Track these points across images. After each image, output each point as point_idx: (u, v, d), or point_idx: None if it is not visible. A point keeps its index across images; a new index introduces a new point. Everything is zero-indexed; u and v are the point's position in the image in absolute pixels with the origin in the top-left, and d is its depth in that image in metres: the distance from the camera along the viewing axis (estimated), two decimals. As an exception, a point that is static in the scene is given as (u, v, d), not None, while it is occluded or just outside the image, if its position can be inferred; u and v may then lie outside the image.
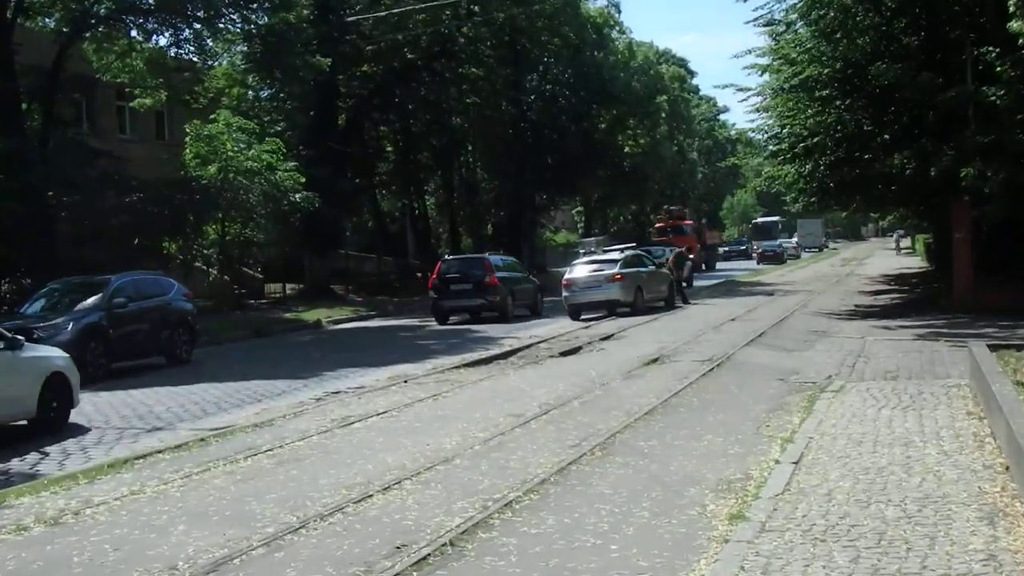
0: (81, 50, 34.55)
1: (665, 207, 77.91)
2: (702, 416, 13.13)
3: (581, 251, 49.57)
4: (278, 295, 43.27)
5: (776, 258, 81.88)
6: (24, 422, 14.32)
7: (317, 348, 26.56)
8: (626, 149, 66.49)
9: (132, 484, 10.58)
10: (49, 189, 30.64)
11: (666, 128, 72.17)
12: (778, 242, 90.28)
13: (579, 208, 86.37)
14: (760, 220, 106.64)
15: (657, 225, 75.85)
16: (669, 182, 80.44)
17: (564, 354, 21.57)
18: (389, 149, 58.21)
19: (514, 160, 55.85)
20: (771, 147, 35.00)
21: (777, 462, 9.98)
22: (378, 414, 14.38)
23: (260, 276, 44.02)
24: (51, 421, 14.49)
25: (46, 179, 29.90)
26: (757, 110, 34.64)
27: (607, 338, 24.27)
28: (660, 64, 73.98)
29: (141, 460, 11.88)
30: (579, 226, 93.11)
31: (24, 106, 32.46)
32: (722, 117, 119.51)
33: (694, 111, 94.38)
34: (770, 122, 34.37)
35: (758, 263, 79.41)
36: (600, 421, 12.97)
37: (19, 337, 14.54)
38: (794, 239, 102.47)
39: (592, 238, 65.54)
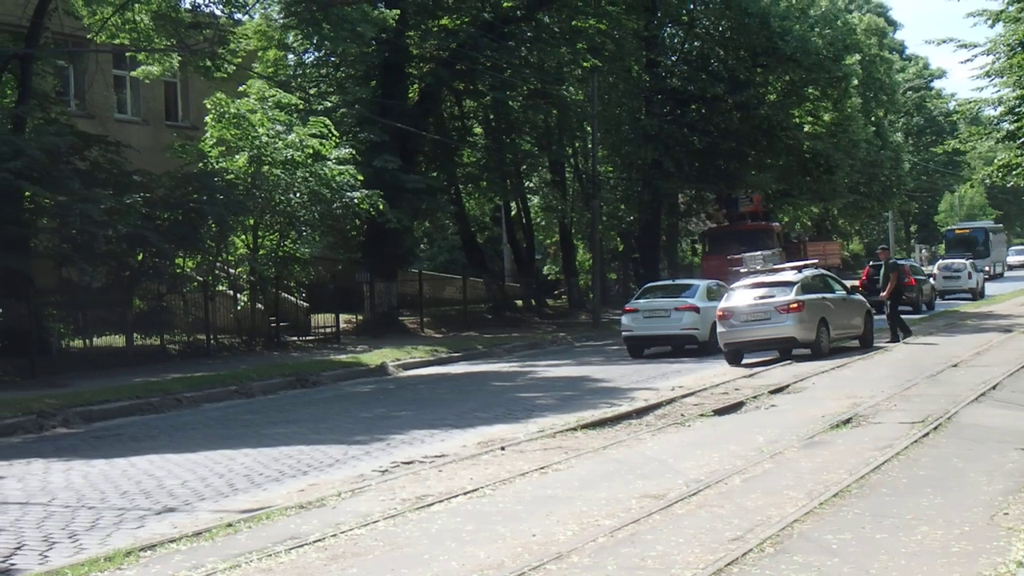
0: (67, 1, 35.14)
1: (715, 198, 68.15)
2: (913, 500, 12.98)
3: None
4: (329, 330, 43.66)
5: None
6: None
7: (381, 402, 26.78)
8: (805, 128, 65.89)
9: (137, 585, 10.75)
10: (24, 188, 30.72)
11: (859, 100, 71.48)
12: None
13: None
14: (960, 227, 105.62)
15: (709, 228, 69.48)
16: (864, 174, 79.54)
17: (720, 412, 21.50)
18: (477, 131, 58.45)
19: (648, 145, 55.69)
20: (1006, 124, 34.59)
21: (1020, 565, 9.84)
22: (465, 493, 14.45)
23: (305, 304, 44.46)
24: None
25: (19, 174, 30.10)
26: (987, 74, 34.32)
27: (779, 390, 24.16)
28: (851, 11, 73.54)
29: (148, 552, 12.06)
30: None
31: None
32: (937, 85, 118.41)
33: (897, 77, 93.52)
34: (1006, 91, 33.95)
35: None
36: (771, 506, 12.89)
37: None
38: None
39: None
